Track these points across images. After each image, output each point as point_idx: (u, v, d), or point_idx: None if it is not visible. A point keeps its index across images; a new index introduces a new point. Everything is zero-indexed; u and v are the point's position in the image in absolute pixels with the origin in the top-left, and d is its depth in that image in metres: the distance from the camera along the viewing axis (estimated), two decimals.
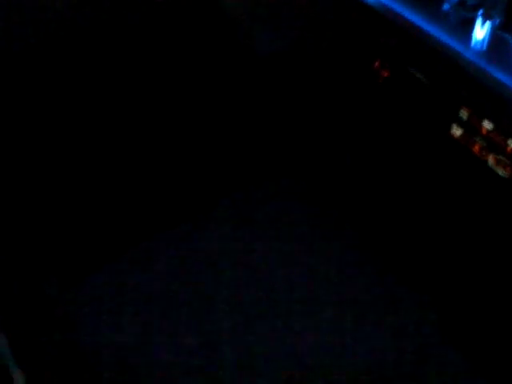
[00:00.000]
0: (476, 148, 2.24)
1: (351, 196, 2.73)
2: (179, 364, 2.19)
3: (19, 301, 2.27)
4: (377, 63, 2.50)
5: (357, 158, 2.73)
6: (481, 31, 2.15)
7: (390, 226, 2.60)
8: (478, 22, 2.15)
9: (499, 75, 2.09)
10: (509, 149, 2.13)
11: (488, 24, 2.14)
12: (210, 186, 2.78)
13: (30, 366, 2.01)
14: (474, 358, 2.21)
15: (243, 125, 2.85)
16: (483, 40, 2.16)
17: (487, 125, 2.16)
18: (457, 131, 2.30)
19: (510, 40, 2.14)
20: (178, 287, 2.43)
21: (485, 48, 2.18)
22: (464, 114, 2.26)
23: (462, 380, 2.18)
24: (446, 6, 2.28)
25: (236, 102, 2.84)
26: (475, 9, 2.20)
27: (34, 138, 2.52)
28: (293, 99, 2.87)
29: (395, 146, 2.55)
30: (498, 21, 2.16)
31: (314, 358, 2.24)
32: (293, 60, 2.78)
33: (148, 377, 2.17)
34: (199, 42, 2.76)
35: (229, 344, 2.28)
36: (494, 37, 2.16)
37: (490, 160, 2.18)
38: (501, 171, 2.15)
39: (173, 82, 2.74)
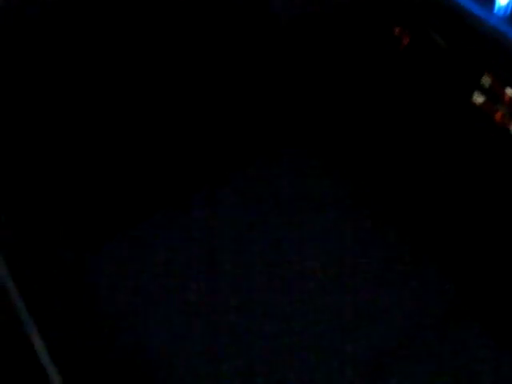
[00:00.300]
0: (498, 115, 2.21)
1: (370, 166, 2.71)
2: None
3: (37, 267, 2.29)
4: (397, 29, 2.46)
5: (376, 126, 2.70)
6: None
7: (412, 197, 2.58)
8: None
9: None
10: None
11: None
12: (222, 156, 2.78)
13: (51, 333, 2.05)
14: (495, 332, 2.20)
15: (257, 93, 2.84)
16: (507, 5, 2.12)
17: (510, 92, 2.13)
18: (479, 98, 2.26)
19: None
20: (193, 255, 2.44)
21: (508, 13, 2.14)
22: (486, 80, 2.22)
23: (481, 353, 2.17)
24: None
25: (250, 66, 2.82)
26: None
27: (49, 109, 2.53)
28: (312, 67, 2.85)
29: (416, 115, 2.52)
30: None
31: (322, 326, 2.24)
32: (312, 26, 2.75)
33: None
34: (215, 9, 2.74)
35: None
36: None
37: None
38: None
39: (187, 47, 2.72)
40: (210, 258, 2.48)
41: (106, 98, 2.62)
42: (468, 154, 2.34)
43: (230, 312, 2.29)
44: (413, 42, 2.46)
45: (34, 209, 2.51)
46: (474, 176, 2.33)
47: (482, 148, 2.28)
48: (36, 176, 2.53)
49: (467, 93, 2.30)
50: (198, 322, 2.28)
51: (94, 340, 2.18)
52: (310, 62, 2.83)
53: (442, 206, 2.48)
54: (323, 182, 2.74)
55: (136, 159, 2.69)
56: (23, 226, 2.43)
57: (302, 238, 2.57)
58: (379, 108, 2.71)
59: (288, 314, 2.30)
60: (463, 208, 2.40)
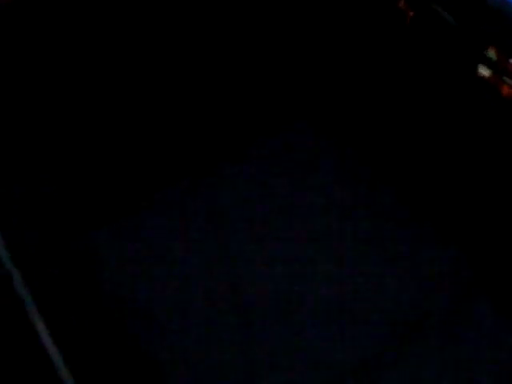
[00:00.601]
0: (505, 89, 2.17)
1: (375, 138, 2.68)
2: (206, 310, 2.24)
3: (41, 254, 2.30)
4: (402, 2, 2.41)
5: (383, 99, 2.67)
6: None
7: (421, 174, 2.55)
8: None
9: None
10: None
11: None
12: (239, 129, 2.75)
13: (53, 316, 2.08)
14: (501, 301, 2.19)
15: (257, 72, 2.80)
16: None
17: None
18: (485, 72, 2.22)
19: None
20: (199, 234, 2.45)
21: None
22: (492, 54, 2.17)
23: (493, 333, 2.17)
24: None
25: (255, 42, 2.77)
26: None
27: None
28: (318, 41, 2.80)
29: (421, 88, 2.48)
30: None
31: (324, 306, 2.27)
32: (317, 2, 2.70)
33: (175, 329, 2.22)
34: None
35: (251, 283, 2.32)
36: None
37: None
38: None
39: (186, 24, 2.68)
40: (212, 241, 2.50)
41: (100, 90, 2.60)
42: (474, 127, 2.31)
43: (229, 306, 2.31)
44: (417, 14, 2.40)
45: (36, 195, 2.51)
46: (481, 148, 2.31)
47: (489, 120, 2.25)
48: (39, 163, 2.52)
49: (473, 66, 2.26)
50: (198, 302, 2.30)
51: (98, 327, 2.21)
52: (317, 36, 2.78)
53: (450, 182, 2.46)
54: (323, 147, 2.72)
55: (137, 146, 2.67)
56: (25, 212, 2.43)
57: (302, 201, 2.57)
58: (384, 81, 2.67)
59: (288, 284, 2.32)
60: (473, 183, 2.38)
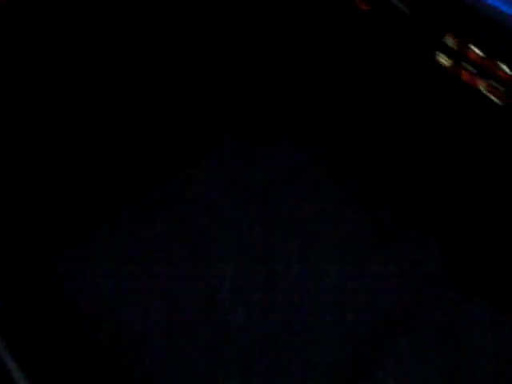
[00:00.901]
0: (466, 75, 2.15)
1: (338, 128, 2.64)
2: (179, 322, 2.14)
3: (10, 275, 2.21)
4: None
5: (342, 94, 2.64)
6: None
7: (387, 163, 2.51)
8: None
9: None
10: (501, 73, 2.04)
11: None
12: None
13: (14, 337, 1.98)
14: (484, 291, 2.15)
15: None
16: None
17: (475, 50, 2.07)
18: (444, 60, 2.20)
19: None
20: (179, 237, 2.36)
21: None
22: (450, 41, 2.16)
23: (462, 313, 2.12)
24: None
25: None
26: None
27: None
28: (272, 37, 2.78)
29: (380, 80, 2.46)
30: None
31: (303, 295, 2.18)
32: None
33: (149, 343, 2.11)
34: None
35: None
36: None
37: (482, 87, 2.09)
38: (494, 98, 2.07)
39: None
40: (192, 246, 2.41)
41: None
42: (438, 115, 2.28)
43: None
44: (372, 8, 2.39)
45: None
46: (446, 138, 2.28)
47: (454, 109, 2.22)
48: None
49: (432, 54, 2.24)
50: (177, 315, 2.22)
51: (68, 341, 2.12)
52: (274, 35, 2.76)
53: (415, 170, 2.43)
54: (299, 151, 2.68)
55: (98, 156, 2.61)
56: None
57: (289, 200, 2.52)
58: (343, 73, 2.64)
59: (275, 286, 2.25)
60: (438, 170, 2.35)
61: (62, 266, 2.34)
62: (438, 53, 2.23)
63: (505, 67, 2.01)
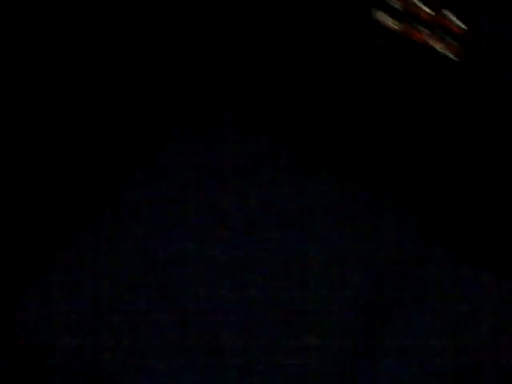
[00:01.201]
0: (417, 35, 2.14)
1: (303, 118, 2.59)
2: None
3: None
4: None
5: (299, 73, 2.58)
6: None
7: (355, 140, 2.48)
8: None
9: None
10: (454, 28, 2.04)
11: None
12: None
13: None
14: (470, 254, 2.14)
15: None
16: None
17: (425, 9, 2.06)
18: (394, 24, 2.18)
19: None
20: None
21: None
22: (397, 3, 2.14)
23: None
24: None
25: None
26: None
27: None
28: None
29: (333, 54, 2.42)
30: None
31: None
32: None
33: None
34: None
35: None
36: None
37: (437, 45, 2.09)
38: (450, 54, 2.06)
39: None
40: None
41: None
42: (396, 79, 2.27)
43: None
44: None
45: None
46: (410, 102, 2.26)
47: (412, 71, 2.21)
48: None
49: (381, 20, 2.21)
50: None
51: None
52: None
53: (382, 140, 2.39)
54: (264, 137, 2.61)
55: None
56: None
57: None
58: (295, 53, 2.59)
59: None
60: (403, 135, 2.33)
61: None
62: (388, 17, 2.21)
63: (457, 21, 2.02)
